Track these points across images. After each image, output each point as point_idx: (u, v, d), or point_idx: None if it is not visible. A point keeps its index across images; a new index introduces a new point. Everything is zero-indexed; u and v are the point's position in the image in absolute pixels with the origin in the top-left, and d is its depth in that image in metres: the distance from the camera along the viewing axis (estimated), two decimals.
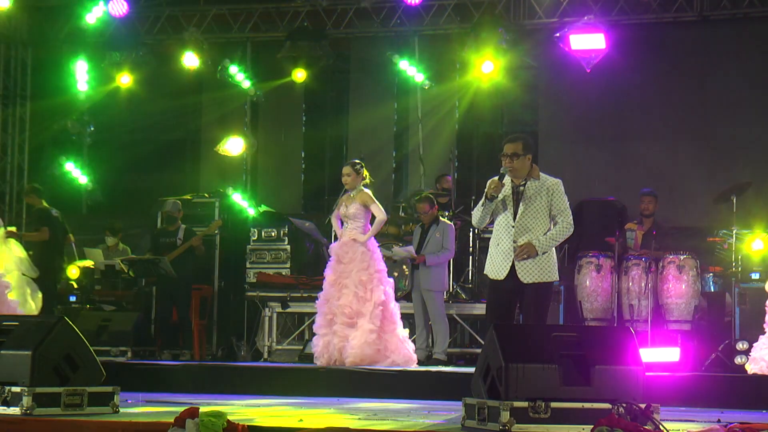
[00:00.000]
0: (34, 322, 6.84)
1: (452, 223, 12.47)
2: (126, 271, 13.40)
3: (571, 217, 8.18)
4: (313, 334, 11.15)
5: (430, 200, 12.36)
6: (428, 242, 12.11)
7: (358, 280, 10.82)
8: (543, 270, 8.07)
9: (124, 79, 15.14)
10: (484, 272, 8.37)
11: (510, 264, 8.06)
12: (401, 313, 11.97)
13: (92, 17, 14.87)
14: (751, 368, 9.99)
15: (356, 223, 10.93)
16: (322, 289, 10.97)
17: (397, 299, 12.01)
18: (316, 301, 11.04)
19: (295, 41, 14.48)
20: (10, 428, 6.08)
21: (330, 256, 11.01)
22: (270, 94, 15.65)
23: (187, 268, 13.14)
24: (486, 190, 8.11)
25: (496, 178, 8.08)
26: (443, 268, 12.26)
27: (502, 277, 8.09)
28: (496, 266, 8.16)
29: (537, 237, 8.04)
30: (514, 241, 8.05)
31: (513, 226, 8.07)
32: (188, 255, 13.17)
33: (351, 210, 10.96)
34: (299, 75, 14.80)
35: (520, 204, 8.10)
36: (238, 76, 15.26)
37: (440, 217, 12.37)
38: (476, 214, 8.24)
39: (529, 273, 8.05)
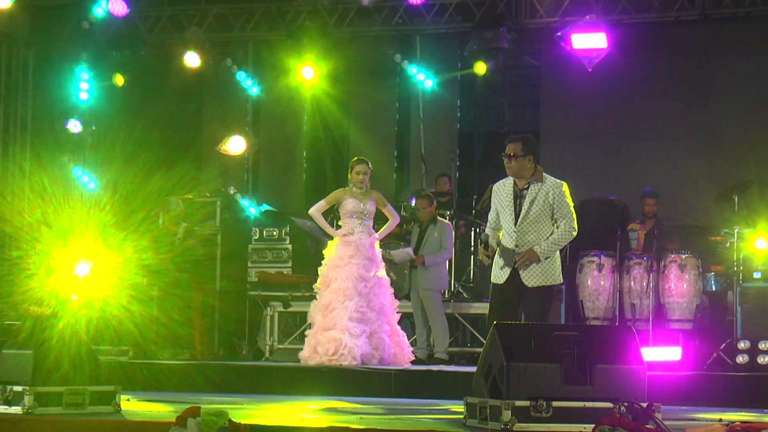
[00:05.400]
0: (35, 322, 6.84)
1: (449, 223, 12.49)
2: (127, 270, 13.39)
3: (575, 221, 8.01)
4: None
5: (429, 198, 12.39)
6: (426, 242, 12.10)
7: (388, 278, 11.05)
8: (546, 274, 7.95)
9: (126, 79, 15.12)
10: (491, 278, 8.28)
11: (512, 268, 7.96)
12: (402, 313, 12.06)
13: (93, 17, 14.86)
14: None
15: (371, 221, 11.10)
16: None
17: (397, 299, 12.10)
18: (330, 297, 10.87)
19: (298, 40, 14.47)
20: (11, 428, 6.09)
21: (337, 249, 10.99)
22: (271, 93, 15.64)
23: (185, 267, 13.16)
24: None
25: (483, 247, 8.07)
26: (441, 267, 12.26)
27: (502, 281, 7.99)
28: (498, 270, 8.06)
29: (539, 242, 7.90)
30: (516, 246, 7.93)
31: (515, 231, 7.95)
32: (188, 254, 13.18)
33: (369, 207, 11.07)
34: (308, 74, 14.72)
35: (522, 208, 7.98)
36: (240, 75, 15.25)
37: (438, 217, 12.38)
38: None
39: (532, 277, 7.93)
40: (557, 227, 7.98)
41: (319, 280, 11.14)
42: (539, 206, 7.95)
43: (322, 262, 11.19)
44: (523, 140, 8.04)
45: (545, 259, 7.91)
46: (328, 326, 10.77)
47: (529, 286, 7.92)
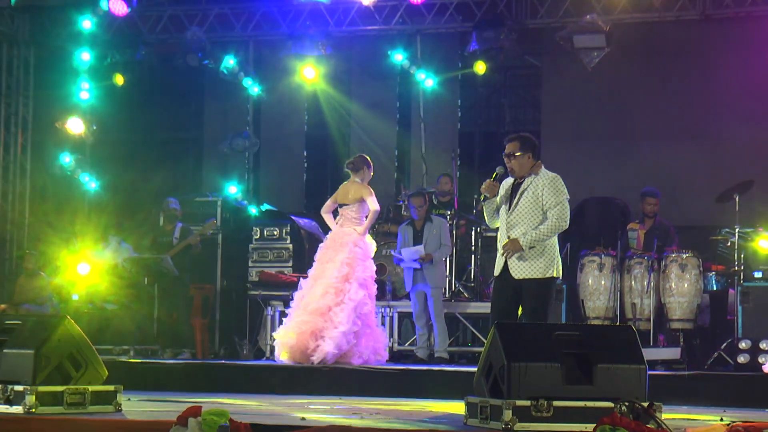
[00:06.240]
0: (36, 321, 6.84)
1: (444, 220, 12.51)
2: (128, 270, 13.41)
3: (566, 213, 8.07)
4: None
5: (423, 195, 12.40)
6: (427, 241, 12.08)
7: None
8: (534, 266, 8.00)
9: (127, 79, 15.12)
10: None
11: (504, 260, 8.07)
12: (399, 312, 12.09)
13: (94, 16, 14.87)
14: None
15: None
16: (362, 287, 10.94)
17: (397, 299, 12.13)
18: (369, 299, 10.96)
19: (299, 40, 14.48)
20: (13, 427, 6.08)
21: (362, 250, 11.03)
22: (272, 92, 15.65)
23: (185, 266, 13.17)
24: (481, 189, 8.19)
25: (490, 179, 8.13)
26: (443, 264, 12.31)
27: (497, 273, 8.14)
28: (496, 263, 8.20)
29: (525, 232, 7.98)
30: (508, 237, 8.06)
31: (506, 222, 8.10)
32: (186, 253, 13.19)
33: None
34: (309, 74, 14.69)
35: (514, 199, 8.10)
36: (240, 75, 15.25)
37: (431, 215, 12.38)
38: (484, 215, 8.34)
39: (519, 269, 8.02)
40: (546, 219, 8.03)
41: (338, 269, 10.92)
42: (529, 198, 8.06)
43: (353, 254, 10.95)
44: (519, 139, 8.19)
45: (530, 249, 7.96)
46: (355, 328, 10.75)
47: (516, 278, 8.01)
